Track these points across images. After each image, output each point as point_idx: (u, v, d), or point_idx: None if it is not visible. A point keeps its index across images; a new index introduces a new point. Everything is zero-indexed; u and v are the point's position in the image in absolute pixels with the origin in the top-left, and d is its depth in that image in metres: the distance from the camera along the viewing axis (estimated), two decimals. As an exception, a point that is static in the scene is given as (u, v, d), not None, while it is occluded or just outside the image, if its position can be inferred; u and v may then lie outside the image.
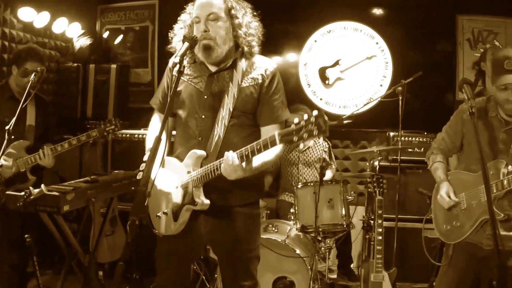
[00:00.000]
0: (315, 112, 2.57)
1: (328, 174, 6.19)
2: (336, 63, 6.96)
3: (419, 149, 5.84)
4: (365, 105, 6.49)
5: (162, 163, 3.02)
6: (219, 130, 3.09)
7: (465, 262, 3.73)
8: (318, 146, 6.22)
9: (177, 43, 3.22)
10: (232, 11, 3.11)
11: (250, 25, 3.18)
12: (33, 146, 4.78)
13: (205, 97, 3.15)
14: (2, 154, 3.67)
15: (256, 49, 3.22)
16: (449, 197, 3.69)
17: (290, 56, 7.26)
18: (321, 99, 7.05)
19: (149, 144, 3.30)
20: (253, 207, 3.29)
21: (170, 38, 3.31)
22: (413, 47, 6.75)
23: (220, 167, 2.91)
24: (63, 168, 6.01)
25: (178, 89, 3.20)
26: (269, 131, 3.08)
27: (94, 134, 4.73)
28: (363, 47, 6.87)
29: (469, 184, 3.63)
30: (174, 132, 3.42)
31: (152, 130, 3.38)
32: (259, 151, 2.77)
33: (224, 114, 3.09)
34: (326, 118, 2.56)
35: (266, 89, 3.14)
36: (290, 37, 7.21)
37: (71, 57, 7.19)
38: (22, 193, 4.02)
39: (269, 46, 7.02)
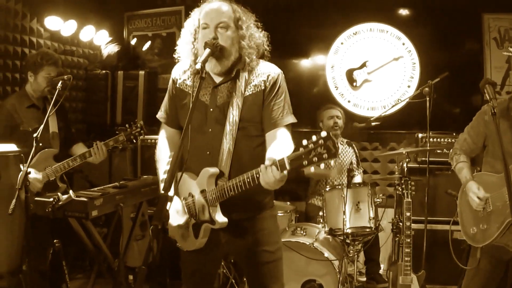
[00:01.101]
0: (323, 134, 2.53)
1: (357, 179, 6.18)
2: (363, 65, 6.93)
3: (448, 150, 5.72)
4: (392, 106, 6.46)
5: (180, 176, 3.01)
6: (228, 143, 3.05)
7: (492, 265, 3.69)
8: (347, 151, 6.20)
9: (183, 50, 3.19)
10: (239, 22, 3.08)
11: (252, 38, 3.12)
12: (58, 154, 4.85)
13: (211, 110, 3.11)
14: (30, 162, 3.71)
15: (254, 62, 3.14)
16: (479, 197, 3.64)
17: (317, 59, 7.24)
18: (349, 101, 7.02)
19: (162, 158, 3.27)
20: (269, 211, 3.26)
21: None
22: (440, 47, 6.68)
23: (234, 187, 2.88)
24: (93, 173, 6.10)
25: (183, 102, 3.19)
26: (273, 134, 3.08)
27: (121, 138, 4.78)
28: (389, 48, 6.83)
29: (494, 186, 3.59)
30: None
31: (162, 144, 3.35)
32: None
33: (231, 126, 3.05)
34: (335, 140, 2.53)
35: (268, 94, 3.09)
36: (317, 40, 7.19)
37: (100, 64, 7.30)
38: (51, 199, 4.08)
39: (296, 49, 7.15)
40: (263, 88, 3.10)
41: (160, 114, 3.39)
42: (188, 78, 3.21)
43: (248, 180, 2.83)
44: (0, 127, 4.74)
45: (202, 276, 3.35)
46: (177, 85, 3.25)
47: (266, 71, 3.14)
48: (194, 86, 2.93)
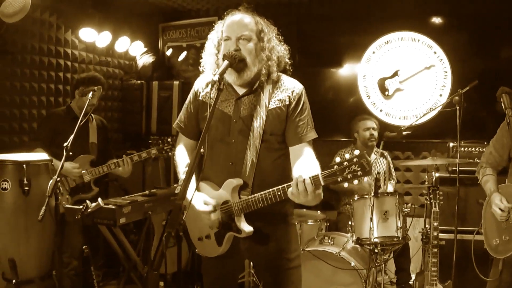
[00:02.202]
0: (356, 152, 2.61)
1: (389, 188, 6.16)
2: (395, 74, 6.90)
3: (478, 159, 5.70)
4: (424, 115, 6.41)
5: (197, 185, 3.06)
6: (251, 155, 3.09)
7: None
8: (380, 161, 6.20)
9: (206, 62, 3.24)
10: (261, 34, 3.11)
11: (274, 50, 3.15)
12: (95, 161, 5.16)
13: (234, 121, 3.15)
14: (60, 169, 3.82)
15: (275, 74, 3.18)
16: (501, 209, 3.61)
17: (349, 68, 7.24)
18: (381, 110, 7.00)
19: (180, 162, 3.35)
20: (289, 219, 3.29)
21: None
22: (472, 55, 6.60)
23: (264, 199, 2.93)
24: (128, 182, 6.22)
25: (205, 114, 3.19)
26: (297, 149, 3.12)
27: (153, 152, 5.19)
28: (421, 57, 6.78)
29: None
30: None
31: (180, 155, 3.40)
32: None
33: (254, 138, 3.09)
34: (368, 158, 2.58)
35: (293, 110, 3.13)
36: (349, 49, 7.19)
37: (135, 74, 7.44)
38: (80, 207, 4.19)
39: (329, 59, 7.17)
40: (287, 103, 3.14)
41: (177, 124, 3.44)
42: (211, 91, 3.25)
43: (279, 193, 2.88)
44: (46, 130, 5.15)
45: (224, 283, 3.39)
46: (200, 98, 3.29)
47: (290, 86, 3.18)
48: (212, 98, 3.01)
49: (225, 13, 3.21)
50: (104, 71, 6.90)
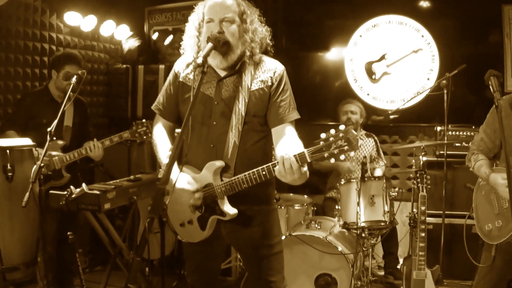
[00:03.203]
0: (342, 127, 2.58)
1: (378, 172, 6.15)
2: (382, 58, 6.88)
3: (466, 143, 5.68)
4: (411, 99, 6.40)
5: (180, 170, 3.03)
6: (233, 137, 3.06)
7: (506, 263, 3.62)
8: (367, 143, 6.18)
9: (187, 44, 3.21)
10: (244, 16, 3.08)
11: (256, 32, 3.13)
12: (68, 146, 5.00)
13: (216, 103, 3.11)
14: (44, 155, 3.77)
15: (257, 56, 3.15)
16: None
17: (336, 52, 7.23)
18: (368, 94, 6.98)
19: (159, 143, 3.33)
20: (268, 204, 3.28)
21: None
22: (460, 40, 6.60)
23: (248, 180, 2.90)
24: (113, 167, 6.17)
25: (186, 96, 3.19)
26: (279, 130, 3.10)
27: (125, 135, 5.02)
28: (409, 40, 6.77)
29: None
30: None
31: (158, 137, 3.37)
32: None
33: (237, 119, 3.06)
34: (354, 133, 2.55)
35: (274, 90, 3.11)
36: (336, 33, 7.18)
37: (120, 59, 7.37)
38: (64, 192, 4.15)
39: (315, 42, 7.13)
40: (270, 84, 3.12)
41: (156, 106, 3.40)
42: (191, 72, 3.18)
43: (264, 173, 2.86)
44: (19, 117, 4.99)
45: (206, 269, 3.40)
46: (180, 79, 3.25)
47: (272, 67, 3.16)
48: (195, 80, 2.97)
49: None
50: (90, 55, 6.82)
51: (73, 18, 6.29)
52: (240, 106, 3.07)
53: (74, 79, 4.43)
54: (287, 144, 3.02)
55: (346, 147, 2.56)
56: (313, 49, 7.26)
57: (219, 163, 3.06)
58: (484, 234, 3.71)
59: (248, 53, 3.11)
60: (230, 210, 3.05)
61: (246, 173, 2.90)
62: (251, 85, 3.11)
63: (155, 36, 7.75)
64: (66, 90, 4.88)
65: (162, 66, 7.02)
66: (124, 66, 7.16)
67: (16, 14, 5.74)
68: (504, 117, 3.50)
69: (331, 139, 2.59)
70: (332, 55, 7.26)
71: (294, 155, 2.68)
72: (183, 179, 3.08)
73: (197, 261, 3.38)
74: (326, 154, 2.61)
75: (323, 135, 2.62)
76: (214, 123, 3.12)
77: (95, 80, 7.01)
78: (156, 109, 3.40)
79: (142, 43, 7.55)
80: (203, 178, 3.09)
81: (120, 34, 7.14)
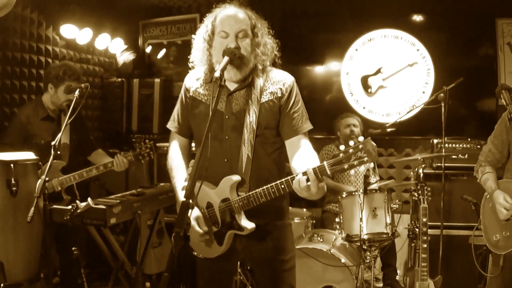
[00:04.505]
0: (361, 138, 2.59)
1: (373, 186, 6.18)
2: (378, 71, 6.93)
3: (463, 155, 5.75)
4: (407, 112, 6.46)
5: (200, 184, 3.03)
6: (246, 150, 3.05)
7: None
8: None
9: (196, 57, 3.19)
10: (255, 29, 3.08)
11: (267, 45, 3.12)
12: (67, 166, 4.89)
13: (227, 117, 3.10)
14: (49, 169, 3.74)
15: (268, 68, 3.16)
16: (506, 208, 3.60)
17: (332, 65, 7.26)
18: (364, 107, 7.02)
19: (176, 166, 3.30)
20: (283, 218, 3.27)
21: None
22: (454, 53, 6.68)
23: (266, 194, 2.88)
24: (110, 181, 6.13)
25: (196, 111, 3.18)
26: (294, 142, 3.11)
27: (129, 158, 4.97)
28: (404, 54, 6.83)
29: None
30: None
31: (174, 153, 3.35)
32: (308, 180, 2.70)
33: (248, 133, 3.05)
34: (374, 144, 2.57)
35: (285, 102, 3.11)
36: (331, 46, 7.21)
37: (115, 72, 7.35)
38: (69, 207, 4.10)
39: (311, 56, 7.17)
40: (279, 95, 3.11)
41: (171, 124, 3.38)
42: (201, 86, 3.20)
43: (283, 186, 2.83)
44: (13, 137, 4.80)
45: (219, 283, 3.35)
46: (190, 94, 3.23)
47: (281, 79, 3.16)
48: (209, 95, 3.03)
49: (214, 6, 3.16)
50: (85, 68, 6.80)
51: (69, 30, 6.28)
52: (251, 119, 3.06)
53: (77, 92, 4.39)
54: (304, 157, 3.02)
55: (366, 158, 2.57)
56: (310, 63, 7.29)
57: (236, 178, 3.04)
58: (492, 245, 3.75)
59: (260, 67, 3.11)
60: (248, 224, 3.03)
61: (264, 187, 2.88)
62: (260, 97, 3.10)
63: (148, 49, 7.75)
64: (62, 106, 4.84)
65: (157, 80, 7.04)
66: (119, 79, 7.15)
67: (13, 26, 5.72)
68: (511, 129, 3.57)
69: (351, 150, 2.60)
70: (328, 68, 7.30)
71: (314, 168, 2.68)
72: (196, 214, 3.06)
73: (210, 277, 3.33)
74: (346, 166, 2.61)
75: (342, 147, 2.64)
76: (226, 137, 3.10)
77: (89, 94, 6.97)
78: (173, 127, 3.38)
79: (136, 57, 7.55)
80: (219, 193, 3.07)
81: (115, 47, 7.14)
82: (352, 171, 2.65)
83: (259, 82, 3.12)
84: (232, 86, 3.13)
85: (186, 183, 3.13)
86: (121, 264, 4.86)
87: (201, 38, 3.16)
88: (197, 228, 3.02)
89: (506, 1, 6.38)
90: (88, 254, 6.06)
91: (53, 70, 4.92)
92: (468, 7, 6.54)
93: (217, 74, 2.77)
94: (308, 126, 3.18)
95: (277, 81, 3.15)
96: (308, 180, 2.69)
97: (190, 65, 3.28)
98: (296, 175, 2.76)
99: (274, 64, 3.25)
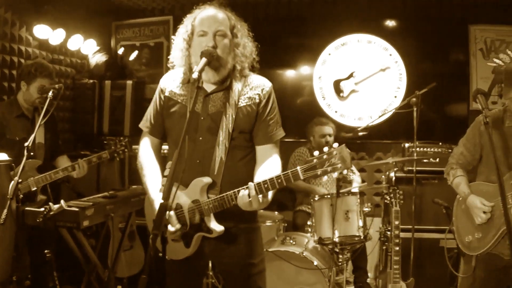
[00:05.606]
0: (335, 145, 2.61)
1: (357, 180, 6.23)
2: (351, 76, 6.98)
3: (434, 159, 5.84)
4: (380, 116, 6.51)
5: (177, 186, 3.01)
6: (220, 153, 3.04)
7: (487, 273, 3.71)
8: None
9: (176, 58, 3.17)
10: (234, 30, 3.08)
11: (246, 46, 3.13)
12: (43, 164, 4.84)
13: (202, 118, 3.09)
14: (22, 170, 3.69)
15: (246, 70, 3.16)
16: (485, 211, 3.64)
17: (304, 69, 7.30)
18: (336, 111, 7.07)
19: (147, 167, 3.26)
20: (252, 222, 3.25)
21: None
22: (427, 58, 6.78)
23: (235, 198, 2.88)
24: (81, 184, 6.06)
25: (171, 110, 3.16)
26: (266, 150, 3.13)
27: (104, 156, 4.96)
28: (377, 59, 6.89)
29: (489, 195, 3.61)
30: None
31: (145, 152, 3.32)
32: (280, 184, 2.74)
33: (224, 135, 3.05)
34: (348, 151, 2.59)
35: (263, 108, 3.12)
36: (304, 51, 7.25)
37: (87, 73, 7.28)
38: (42, 209, 4.05)
39: (284, 60, 7.19)
40: (257, 101, 3.11)
41: (144, 123, 3.35)
42: (178, 87, 3.18)
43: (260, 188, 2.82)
44: None
45: (188, 286, 3.32)
46: (166, 94, 3.21)
47: (260, 84, 3.16)
48: (186, 96, 3.02)
49: (194, 7, 3.15)
50: (57, 69, 6.71)
51: (42, 31, 6.20)
52: (227, 122, 3.05)
53: (50, 93, 4.35)
54: (267, 170, 3.05)
55: (339, 165, 2.59)
56: (282, 67, 7.32)
57: (207, 180, 3.02)
58: (464, 246, 3.80)
59: (238, 67, 3.11)
60: (216, 227, 3.01)
61: (236, 190, 2.88)
62: (238, 101, 3.09)
63: (121, 51, 7.70)
64: (35, 103, 4.81)
65: (129, 82, 6.99)
66: (91, 81, 7.08)
67: (-13, 26, 5.65)
68: (484, 133, 3.62)
69: (325, 156, 2.62)
70: (301, 72, 7.34)
71: (285, 174, 2.72)
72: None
73: (179, 279, 3.30)
74: (319, 172, 2.64)
75: (316, 153, 2.66)
76: (200, 138, 3.09)
77: (61, 95, 6.88)
78: (145, 127, 3.35)
79: (109, 58, 7.49)
80: (190, 194, 3.05)
81: (87, 48, 7.06)
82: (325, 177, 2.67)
83: (238, 86, 3.12)
84: (209, 87, 3.12)
85: (153, 184, 3.15)
86: (93, 267, 4.81)
87: (180, 39, 3.14)
88: (168, 227, 2.99)
89: (479, 7, 6.50)
90: (60, 256, 6.00)
91: (25, 67, 4.89)
92: (442, 13, 6.66)
93: (195, 75, 2.77)
94: (282, 133, 3.21)
95: (255, 86, 3.15)
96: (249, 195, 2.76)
97: (169, 65, 3.26)
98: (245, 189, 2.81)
99: (252, 68, 3.24)
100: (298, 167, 2.69)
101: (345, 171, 5.53)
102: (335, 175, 5.52)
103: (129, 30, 7.67)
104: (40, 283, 4.93)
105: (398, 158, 5.75)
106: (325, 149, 2.63)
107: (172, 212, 3.01)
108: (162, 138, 3.35)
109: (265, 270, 3.31)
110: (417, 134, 5.52)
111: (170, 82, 3.24)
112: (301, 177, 2.68)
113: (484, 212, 3.62)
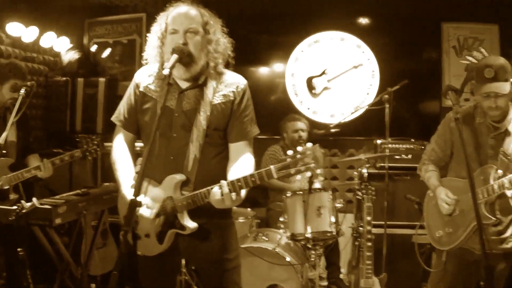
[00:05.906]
0: (309, 144, 2.64)
1: (317, 185, 6.24)
2: (323, 73, 7.03)
3: (406, 156, 5.88)
4: (352, 113, 6.55)
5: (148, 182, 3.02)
6: (194, 150, 3.04)
7: (458, 267, 3.76)
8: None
9: (150, 55, 3.16)
10: (207, 26, 3.08)
11: (219, 42, 3.13)
12: (16, 163, 4.80)
13: (176, 115, 3.09)
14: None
15: (220, 67, 3.16)
16: (447, 203, 3.71)
17: (277, 66, 7.34)
18: (308, 108, 7.11)
19: (120, 161, 3.24)
20: (227, 217, 3.27)
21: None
22: (399, 56, 6.85)
23: (208, 195, 2.88)
24: (53, 181, 6.02)
25: (145, 106, 3.16)
26: (239, 147, 3.13)
27: (77, 154, 4.87)
28: (349, 56, 6.96)
29: (460, 190, 3.66)
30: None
31: (119, 146, 3.30)
32: (254, 183, 2.76)
33: (198, 132, 3.05)
34: (322, 151, 2.62)
35: (237, 106, 3.13)
36: (277, 48, 7.29)
37: (60, 71, 7.23)
38: (15, 207, 4.02)
39: (256, 57, 7.20)
40: (232, 98, 3.12)
41: (116, 118, 3.32)
42: (152, 83, 3.18)
43: (229, 188, 2.83)
44: None
45: (161, 283, 3.31)
46: (141, 89, 3.20)
47: (235, 82, 3.16)
48: (160, 92, 2.99)
49: (167, 5, 3.15)
50: (30, 67, 6.65)
51: (15, 28, 6.15)
52: (202, 119, 3.06)
53: (23, 91, 4.32)
54: (240, 168, 3.05)
55: (312, 165, 2.62)
56: (254, 64, 7.35)
57: (180, 177, 3.03)
58: (435, 241, 3.84)
59: (212, 64, 3.11)
60: (190, 224, 3.01)
61: (209, 187, 2.88)
62: (212, 98, 3.09)
63: (94, 48, 7.66)
64: (7, 104, 4.76)
65: (102, 79, 6.92)
66: (64, 78, 7.02)
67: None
68: (455, 129, 3.66)
69: (298, 156, 2.64)
70: (273, 70, 7.39)
71: (259, 172, 2.74)
72: (143, 200, 3.00)
73: (152, 276, 3.29)
74: (292, 171, 2.66)
75: (290, 152, 2.68)
76: (174, 135, 3.09)
77: (33, 93, 6.82)
78: (117, 120, 3.32)
79: (82, 56, 7.44)
80: (163, 191, 3.05)
81: (60, 45, 7.01)
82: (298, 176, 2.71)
83: (212, 83, 3.12)
84: (184, 84, 3.12)
85: (125, 179, 3.13)
86: (66, 265, 4.79)
87: (154, 36, 3.14)
88: (147, 213, 3.00)
89: (452, 5, 6.57)
90: (33, 255, 5.96)
91: None
92: (414, 11, 6.72)
93: (165, 72, 2.79)
94: (256, 130, 3.21)
95: (230, 84, 3.15)
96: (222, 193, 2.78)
97: (143, 62, 3.25)
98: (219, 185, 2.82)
99: (227, 65, 3.24)
100: (272, 166, 2.71)
101: (318, 171, 5.59)
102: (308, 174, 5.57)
103: (102, 27, 7.63)
104: (14, 281, 4.89)
105: (371, 154, 5.79)
106: (299, 148, 2.65)
107: (145, 199, 3.02)
108: (136, 133, 3.32)
109: (240, 266, 3.32)
110: (390, 130, 5.57)
111: (146, 78, 3.23)
112: (275, 176, 2.70)
113: (448, 204, 3.68)
